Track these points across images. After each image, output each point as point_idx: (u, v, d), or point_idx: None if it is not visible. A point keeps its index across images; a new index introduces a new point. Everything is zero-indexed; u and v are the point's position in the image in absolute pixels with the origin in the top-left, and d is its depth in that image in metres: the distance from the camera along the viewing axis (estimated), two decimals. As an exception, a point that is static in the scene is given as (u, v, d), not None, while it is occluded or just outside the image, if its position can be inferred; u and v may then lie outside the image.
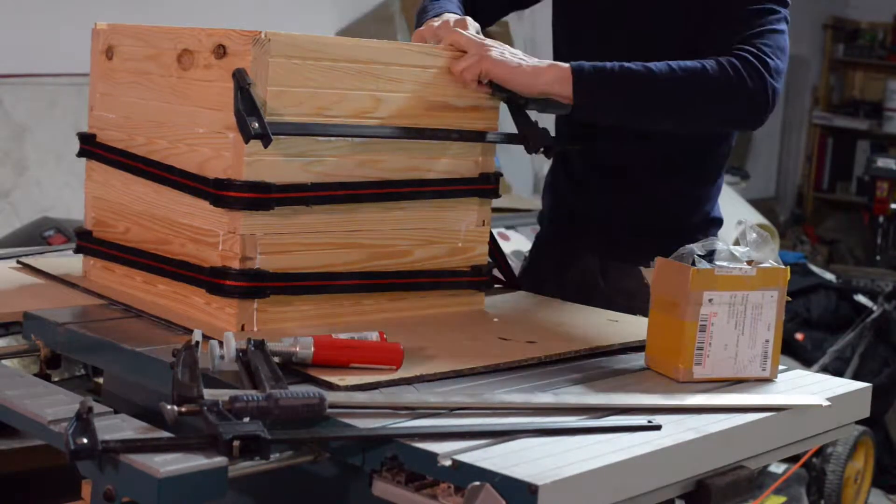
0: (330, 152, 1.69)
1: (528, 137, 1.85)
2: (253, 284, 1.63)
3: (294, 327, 1.66)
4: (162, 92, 1.75)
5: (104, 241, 1.89)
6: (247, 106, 1.55)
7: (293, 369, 1.46)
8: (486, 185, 1.88)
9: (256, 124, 1.54)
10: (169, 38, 1.73)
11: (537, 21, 5.80)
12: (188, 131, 1.70)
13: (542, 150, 1.85)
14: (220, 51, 1.62)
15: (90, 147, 1.90)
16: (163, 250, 1.76)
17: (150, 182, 1.77)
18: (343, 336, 1.51)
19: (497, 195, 1.90)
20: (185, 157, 1.71)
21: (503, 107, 1.88)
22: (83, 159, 1.93)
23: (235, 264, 1.63)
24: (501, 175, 1.92)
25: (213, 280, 1.64)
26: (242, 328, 1.63)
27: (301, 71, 1.63)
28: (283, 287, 1.66)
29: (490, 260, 1.95)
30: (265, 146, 1.56)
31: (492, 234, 1.94)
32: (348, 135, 1.69)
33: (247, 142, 1.55)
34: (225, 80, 1.61)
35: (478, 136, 1.85)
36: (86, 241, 1.92)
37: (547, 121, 1.88)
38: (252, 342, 1.43)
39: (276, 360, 1.45)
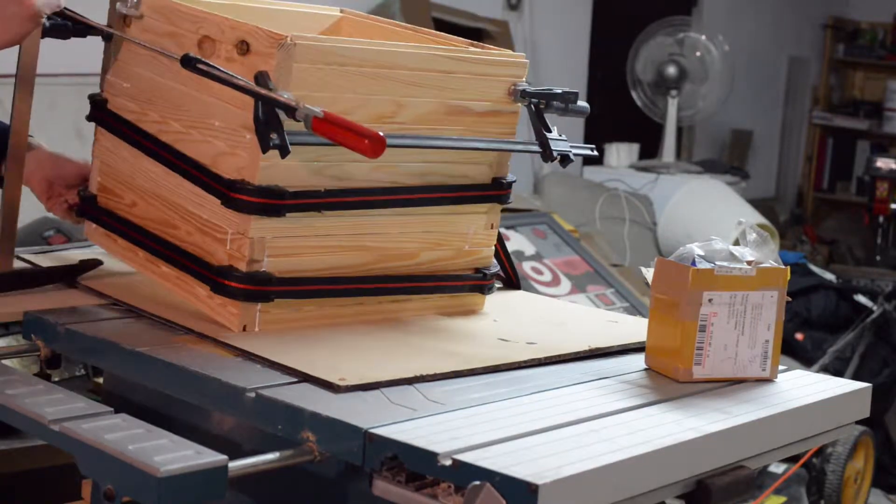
0: (346, 157, 1.59)
1: (545, 145, 1.82)
2: (258, 288, 1.61)
3: (296, 328, 1.65)
4: (179, 74, 1.65)
5: (109, 210, 1.83)
6: (268, 118, 1.50)
7: (290, 370, 1.46)
8: (498, 192, 1.84)
9: (275, 135, 1.50)
10: (190, 19, 1.66)
11: (537, 21, 5.80)
12: (203, 120, 1.65)
13: (558, 158, 1.83)
14: (244, 47, 1.57)
15: (101, 114, 1.83)
16: (169, 234, 1.71)
17: (161, 164, 1.72)
18: None
19: (508, 200, 1.87)
20: (199, 145, 1.65)
21: (523, 111, 1.82)
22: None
23: (242, 266, 1.60)
24: (515, 181, 1.87)
25: (218, 279, 1.62)
26: (244, 329, 1.62)
27: (324, 76, 1.58)
28: (289, 291, 1.64)
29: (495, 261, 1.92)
30: (282, 157, 1.51)
31: (499, 235, 1.91)
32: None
33: (265, 152, 1.52)
34: (246, 77, 1.53)
35: (494, 144, 1.80)
36: (90, 207, 1.86)
37: (565, 125, 1.85)
38: None
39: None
